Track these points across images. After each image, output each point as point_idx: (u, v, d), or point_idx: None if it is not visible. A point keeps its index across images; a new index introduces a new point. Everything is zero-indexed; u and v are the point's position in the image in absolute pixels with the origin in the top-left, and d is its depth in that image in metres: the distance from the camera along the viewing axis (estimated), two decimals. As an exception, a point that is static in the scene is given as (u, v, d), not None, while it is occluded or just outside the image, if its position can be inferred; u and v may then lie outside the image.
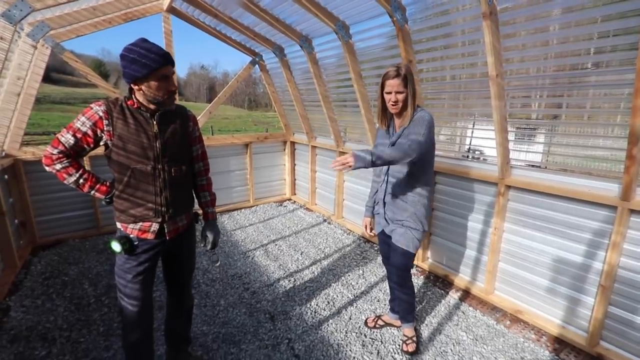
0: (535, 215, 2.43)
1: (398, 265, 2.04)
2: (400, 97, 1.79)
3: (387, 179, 1.98)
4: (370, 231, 2.21)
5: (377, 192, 2.13)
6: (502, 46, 2.17)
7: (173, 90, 1.55)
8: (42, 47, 3.10)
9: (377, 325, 2.42)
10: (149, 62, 1.42)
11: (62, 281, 2.98)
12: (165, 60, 1.46)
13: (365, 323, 2.45)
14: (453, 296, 2.83)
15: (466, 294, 2.84)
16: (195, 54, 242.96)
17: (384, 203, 2.02)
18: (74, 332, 2.34)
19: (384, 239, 2.15)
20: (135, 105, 1.55)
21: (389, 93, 1.81)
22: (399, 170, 1.92)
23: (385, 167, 1.98)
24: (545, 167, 2.85)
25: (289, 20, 3.34)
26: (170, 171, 1.64)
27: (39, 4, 2.20)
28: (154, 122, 1.58)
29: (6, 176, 3.22)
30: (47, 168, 1.52)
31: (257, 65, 4.69)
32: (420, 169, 1.89)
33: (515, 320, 2.51)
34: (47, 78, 51.76)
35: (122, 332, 1.76)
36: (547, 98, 2.36)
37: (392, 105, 1.82)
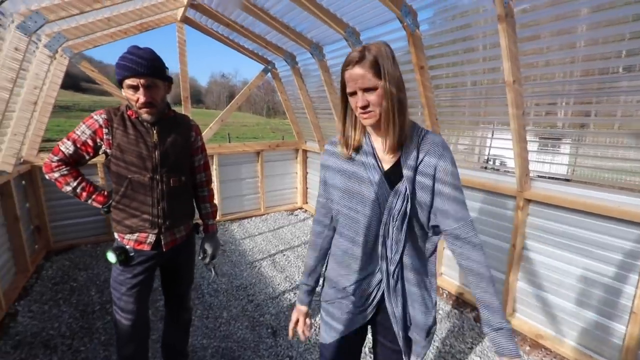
0: (558, 232, 2.25)
1: None
2: (373, 97, 0.95)
3: (402, 253, 1.04)
4: (303, 333, 1.28)
5: (356, 263, 1.11)
6: (523, 50, 2.04)
7: (143, 102, 1.43)
8: (61, 58, 3.19)
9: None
10: (118, 70, 1.40)
11: (71, 287, 3.00)
12: (129, 70, 1.38)
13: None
14: (467, 316, 2.65)
15: (482, 315, 2.65)
16: (216, 63, 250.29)
17: (390, 289, 1.07)
18: (75, 341, 2.33)
19: (350, 348, 1.22)
20: (135, 115, 1.53)
21: (353, 94, 0.98)
22: (421, 237, 1.08)
23: (392, 227, 1.03)
24: (571, 180, 2.65)
25: (299, 27, 3.31)
26: (169, 182, 1.60)
27: (52, 15, 2.25)
28: (154, 132, 1.55)
29: (23, 182, 3.31)
30: (46, 176, 1.52)
31: (269, 74, 4.68)
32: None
33: (535, 346, 2.31)
34: (77, 87, 54.69)
35: (117, 345, 1.71)
36: (574, 105, 2.20)
37: (362, 113, 0.98)
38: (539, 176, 2.42)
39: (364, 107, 0.97)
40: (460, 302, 2.83)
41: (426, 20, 2.51)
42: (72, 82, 51.90)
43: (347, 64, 0.97)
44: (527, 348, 2.29)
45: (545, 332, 2.35)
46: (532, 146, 2.28)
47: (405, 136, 1.01)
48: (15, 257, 2.99)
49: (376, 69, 0.94)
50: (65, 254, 3.63)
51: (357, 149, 1.07)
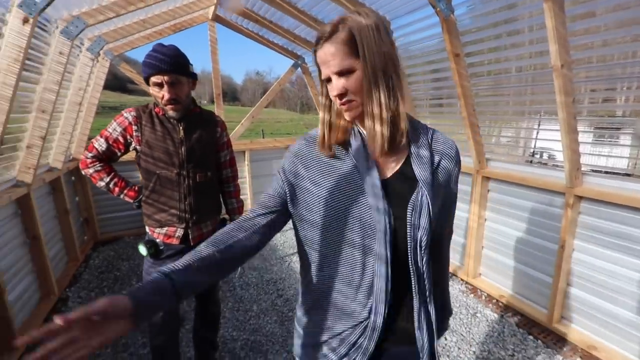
0: (614, 232, 2.00)
1: None
2: (350, 82, 0.72)
3: (418, 263, 0.77)
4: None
5: (361, 279, 0.79)
6: (574, 30, 1.82)
7: (168, 99, 1.46)
8: (102, 60, 3.38)
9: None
10: (144, 68, 1.43)
11: (115, 276, 3.20)
12: (153, 68, 1.41)
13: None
14: (509, 320, 2.47)
15: (526, 320, 2.45)
16: (251, 61, 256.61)
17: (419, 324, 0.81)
18: (117, 327, 2.47)
19: None
20: (162, 112, 1.56)
21: (328, 80, 0.76)
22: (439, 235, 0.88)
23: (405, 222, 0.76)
24: (632, 175, 2.36)
25: (327, 19, 3.24)
26: (195, 177, 1.62)
27: (91, 19, 2.38)
28: (181, 128, 1.57)
29: (73, 177, 3.58)
30: (82, 171, 1.60)
31: (299, 68, 4.66)
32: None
33: (587, 357, 2.09)
34: (123, 89, 58.88)
35: (149, 335, 1.79)
36: (637, 90, 1.94)
37: (340, 104, 0.75)
38: (593, 170, 2.17)
39: (341, 96, 0.73)
40: (501, 306, 2.64)
41: (463, 4, 2.34)
42: (120, 84, 55.86)
43: (317, 42, 0.73)
44: (578, 359, 2.08)
45: (599, 343, 2.12)
46: (585, 137, 2.05)
47: (401, 133, 0.76)
48: (67, 247, 3.23)
49: (352, 45, 0.69)
50: (110, 244, 3.89)
51: (346, 147, 0.80)
